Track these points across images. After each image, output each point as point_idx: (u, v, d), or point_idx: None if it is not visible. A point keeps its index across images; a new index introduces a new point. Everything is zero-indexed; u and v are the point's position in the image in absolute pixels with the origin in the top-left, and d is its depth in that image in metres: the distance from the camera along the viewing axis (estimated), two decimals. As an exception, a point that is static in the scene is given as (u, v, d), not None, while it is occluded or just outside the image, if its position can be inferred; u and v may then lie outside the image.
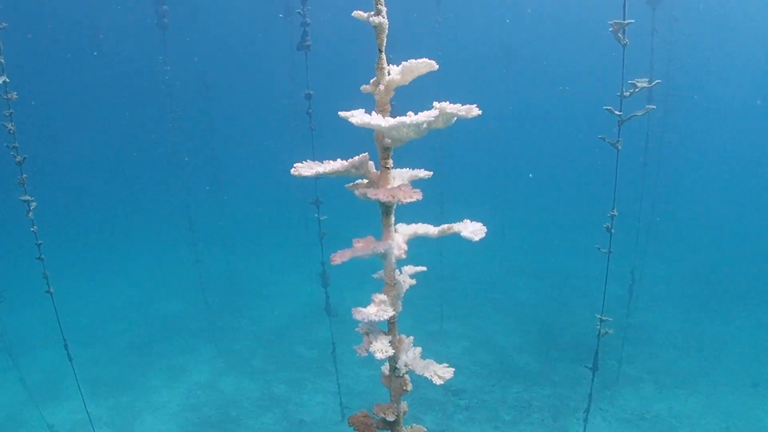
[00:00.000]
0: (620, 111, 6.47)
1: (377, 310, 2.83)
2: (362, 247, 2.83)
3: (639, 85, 6.30)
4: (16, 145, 4.88)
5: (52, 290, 5.37)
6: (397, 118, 2.31)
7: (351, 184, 2.83)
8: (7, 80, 4.68)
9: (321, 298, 11.00)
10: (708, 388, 12.70)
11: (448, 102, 2.36)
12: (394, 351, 3.02)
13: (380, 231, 3.02)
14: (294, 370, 14.07)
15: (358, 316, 2.77)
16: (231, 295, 19.17)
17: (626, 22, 5.94)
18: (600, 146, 7.00)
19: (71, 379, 13.95)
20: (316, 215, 9.64)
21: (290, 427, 11.76)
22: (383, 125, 2.33)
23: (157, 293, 20.24)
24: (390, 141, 2.61)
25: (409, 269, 3.29)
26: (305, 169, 2.63)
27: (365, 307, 2.94)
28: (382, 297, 2.98)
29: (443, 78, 14.07)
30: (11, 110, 4.73)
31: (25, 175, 4.99)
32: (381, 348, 2.92)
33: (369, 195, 2.55)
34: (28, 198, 4.98)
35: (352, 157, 2.73)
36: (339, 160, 2.71)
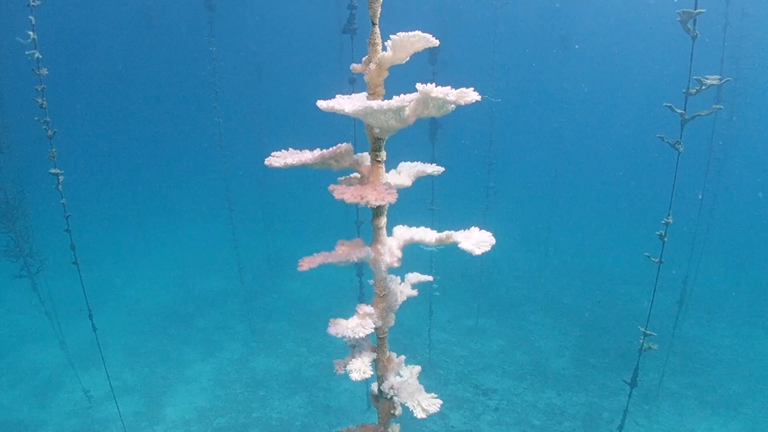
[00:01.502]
0: (683, 109, 5.98)
1: (356, 325, 2.50)
2: (339, 253, 2.49)
3: (707, 82, 5.79)
4: (48, 119, 4.92)
5: (78, 261, 5.42)
6: (366, 102, 2.03)
7: (342, 178, 2.57)
8: (40, 56, 4.74)
9: (357, 286, 10.87)
10: (754, 412, 11.92)
11: (434, 84, 2.08)
12: (373, 373, 2.69)
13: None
14: (325, 355, 14.07)
15: (332, 330, 2.47)
16: (269, 276, 19.38)
17: (696, 11, 5.43)
18: (660, 146, 6.52)
19: (109, 347, 14.52)
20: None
21: (315, 411, 11.76)
22: (346, 109, 2.05)
23: (199, 270, 20.68)
24: (378, 130, 2.33)
25: (413, 278, 2.92)
26: (277, 159, 2.36)
27: (348, 318, 2.62)
28: (368, 309, 2.65)
29: (499, 65, 13.64)
30: (43, 85, 4.77)
31: (54, 149, 5.04)
32: (359, 368, 2.64)
33: (335, 194, 2.22)
34: (57, 171, 5.03)
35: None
36: (317, 150, 2.44)
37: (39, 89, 4.72)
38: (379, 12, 2.26)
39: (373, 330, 2.54)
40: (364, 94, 2.42)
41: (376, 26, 2.27)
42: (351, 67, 2.34)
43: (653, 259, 6.43)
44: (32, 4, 4.73)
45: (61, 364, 13.03)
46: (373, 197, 2.18)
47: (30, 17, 4.73)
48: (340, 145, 2.45)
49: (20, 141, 11.27)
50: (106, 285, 18.91)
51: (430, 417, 11.48)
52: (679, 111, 5.96)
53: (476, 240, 2.38)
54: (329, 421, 11.39)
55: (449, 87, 2.10)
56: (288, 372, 13.33)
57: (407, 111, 2.20)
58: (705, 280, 16.01)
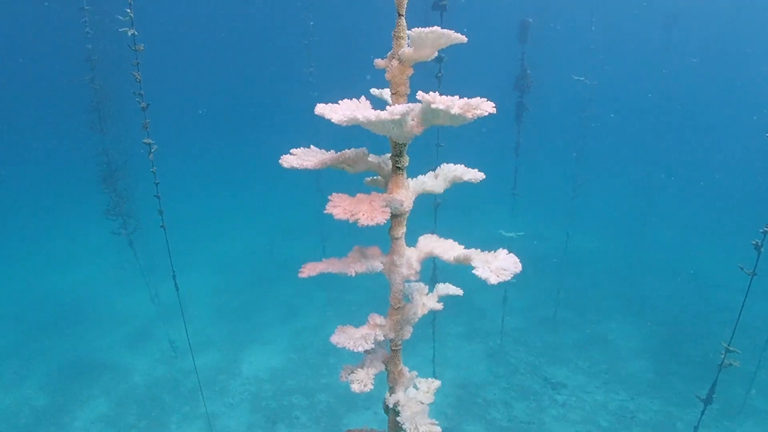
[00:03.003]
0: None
1: (360, 337, 2.40)
2: (339, 264, 2.38)
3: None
4: (142, 92, 5.25)
5: (164, 225, 5.80)
6: (352, 112, 1.82)
7: (369, 179, 2.44)
8: (136, 33, 5.05)
9: (430, 267, 10.83)
10: None
11: (438, 93, 1.84)
12: (372, 387, 2.56)
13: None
14: (396, 331, 14.25)
15: (334, 339, 2.40)
16: (350, 247, 19.76)
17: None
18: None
19: (197, 304, 15.55)
20: (434, 183, 9.33)
21: (379, 383, 11.95)
22: (334, 118, 1.85)
23: (284, 237, 21.55)
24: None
25: (443, 289, 2.72)
26: (294, 160, 2.27)
27: (358, 327, 2.53)
28: (380, 320, 2.53)
29: (597, 43, 12.80)
30: (138, 60, 5.09)
31: (147, 120, 5.39)
32: (361, 379, 2.54)
33: (327, 207, 2.05)
34: (150, 141, 5.37)
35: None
36: (331, 151, 2.30)
37: (135, 64, 5.06)
38: (405, 1, 2.05)
39: (373, 346, 2.43)
40: (388, 90, 2.23)
41: (402, 17, 2.06)
42: (374, 63, 2.16)
43: (746, 271, 5.85)
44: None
45: (152, 315, 14.15)
46: (364, 217, 1.99)
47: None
48: (357, 150, 2.30)
49: (126, 108, 12.12)
50: (198, 247, 20.21)
51: (494, 405, 11.38)
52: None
53: (497, 266, 2.09)
54: (394, 396, 11.57)
55: (456, 97, 1.84)
56: (358, 344, 13.62)
57: (409, 122, 1.99)
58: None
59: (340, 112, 1.88)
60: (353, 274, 2.33)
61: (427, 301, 2.66)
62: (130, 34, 5.01)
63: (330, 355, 13.14)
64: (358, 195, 2.17)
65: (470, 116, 1.84)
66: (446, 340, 13.84)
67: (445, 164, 2.60)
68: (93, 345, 14.02)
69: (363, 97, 2.10)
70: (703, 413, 6.74)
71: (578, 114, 12.47)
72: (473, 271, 2.08)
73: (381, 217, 1.99)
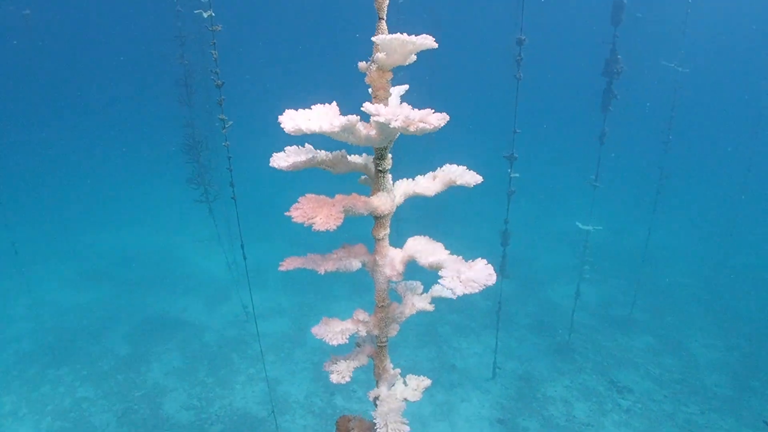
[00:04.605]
0: None
1: (339, 331, 2.41)
2: (314, 260, 2.36)
3: None
4: (218, 71, 5.46)
5: (234, 197, 6.06)
6: (297, 124, 1.76)
7: (362, 178, 2.38)
8: (213, 14, 5.25)
9: (500, 255, 10.59)
10: None
11: (384, 106, 1.78)
12: (349, 380, 2.60)
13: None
14: (463, 316, 14.15)
15: (314, 330, 2.43)
16: (423, 228, 19.71)
17: None
18: None
19: (271, 272, 16.15)
20: (509, 171, 9.10)
21: (440, 368, 11.99)
22: (285, 128, 1.81)
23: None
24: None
25: (437, 291, 2.66)
26: (280, 159, 2.24)
27: (344, 319, 2.55)
28: (364, 316, 2.54)
29: (692, 28, 11.84)
30: (215, 40, 5.30)
31: (223, 97, 5.62)
32: (340, 371, 2.58)
33: (291, 210, 2.06)
34: (224, 117, 5.60)
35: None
36: (322, 151, 2.26)
37: (212, 43, 5.29)
38: (386, 4, 1.95)
39: (346, 341, 2.45)
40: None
41: (383, 21, 1.98)
42: (358, 66, 2.09)
43: None
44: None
45: (229, 280, 14.88)
46: (320, 222, 1.99)
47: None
48: (319, 152, 2.25)
49: (211, 83, 12.67)
50: (272, 219, 20.91)
51: (553, 402, 11.09)
52: None
53: (466, 277, 1.94)
54: (451, 380, 11.54)
55: (403, 108, 1.73)
56: (423, 324, 13.67)
57: (362, 131, 1.91)
58: None
59: (291, 122, 1.85)
60: (322, 272, 2.38)
61: (417, 301, 2.66)
62: (206, 15, 5.24)
63: (392, 334, 13.28)
64: (324, 198, 2.15)
65: (413, 129, 1.78)
66: (512, 330, 13.60)
67: (447, 165, 2.54)
68: (172, 303, 14.98)
69: (334, 103, 2.02)
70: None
71: (668, 103, 11.63)
72: (440, 281, 1.99)
73: (334, 224, 2.01)
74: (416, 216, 18.22)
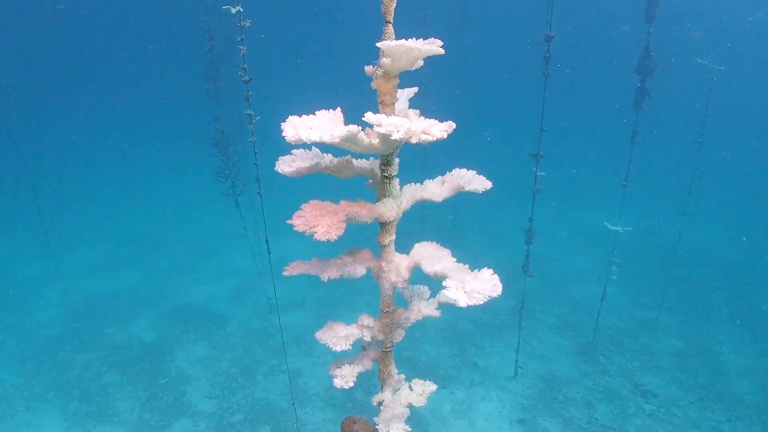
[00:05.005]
0: None
1: (342, 337, 2.37)
2: (317, 266, 2.32)
3: None
4: (245, 66, 5.50)
5: (260, 192, 6.09)
6: (297, 134, 1.72)
7: (369, 182, 2.33)
8: (241, 10, 5.28)
9: (523, 254, 10.46)
10: None
11: (386, 116, 1.72)
12: (353, 384, 2.54)
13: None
14: (487, 314, 14.04)
15: (318, 335, 2.38)
16: (444, 232, 19.62)
17: None
18: None
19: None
20: (534, 169, 8.97)
21: (461, 365, 11.94)
22: (288, 137, 1.77)
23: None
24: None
25: (444, 296, 2.59)
26: (284, 164, 2.21)
27: (350, 324, 2.50)
28: (369, 321, 2.48)
29: (730, 24, 11.46)
30: (242, 36, 5.34)
31: (250, 92, 5.64)
32: (344, 375, 2.54)
33: (293, 218, 2.02)
34: (251, 113, 5.63)
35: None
36: (328, 155, 2.22)
37: (240, 39, 5.33)
38: (393, 7, 1.89)
39: (350, 347, 2.42)
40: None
41: (390, 24, 1.91)
42: (365, 70, 2.04)
43: None
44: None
45: (253, 273, 15.06)
46: (321, 232, 1.95)
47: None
48: (324, 157, 2.21)
49: (239, 78, 12.79)
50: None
51: (575, 403, 10.94)
52: None
53: (471, 288, 1.89)
54: (472, 378, 11.49)
55: (408, 115, 1.68)
56: (445, 321, 13.63)
57: (365, 140, 1.86)
58: None
59: (292, 130, 1.79)
60: (326, 279, 2.30)
61: (423, 307, 2.61)
62: (234, 11, 5.28)
63: (415, 329, 13.24)
64: (328, 205, 2.11)
65: (415, 141, 1.75)
66: (536, 329, 13.46)
67: (456, 170, 2.46)
68: (199, 294, 15.24)
69: (338, 109, 1.95)
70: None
71: (701, 101, 11.30)
72: (444, 291, 1.93)
73: (335, 235, 1.97)
74: (443, 211, 18.08)
